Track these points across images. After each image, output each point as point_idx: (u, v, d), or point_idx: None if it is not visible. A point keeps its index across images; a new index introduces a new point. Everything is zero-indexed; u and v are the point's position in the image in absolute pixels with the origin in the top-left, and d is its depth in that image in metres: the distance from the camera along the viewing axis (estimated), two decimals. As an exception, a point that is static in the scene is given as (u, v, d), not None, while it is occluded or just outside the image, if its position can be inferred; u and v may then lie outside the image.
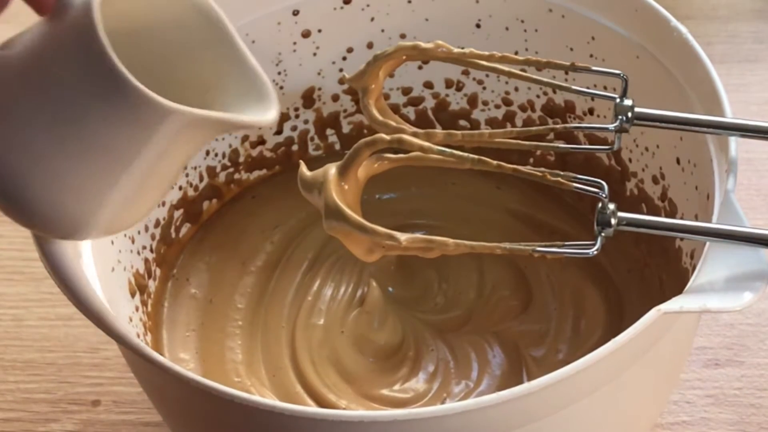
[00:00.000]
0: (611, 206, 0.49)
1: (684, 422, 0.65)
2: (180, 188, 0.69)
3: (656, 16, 0.61)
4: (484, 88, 0.72)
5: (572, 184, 0.50)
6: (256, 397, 0.49)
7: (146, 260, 0.66)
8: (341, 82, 0.72)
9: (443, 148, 0.51)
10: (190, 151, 0.50)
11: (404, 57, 0.56)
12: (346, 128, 0.75)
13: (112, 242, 0.61)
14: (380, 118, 0.55)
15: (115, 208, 0.49)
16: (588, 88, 0.57)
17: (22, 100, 0.46)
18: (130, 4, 0.49)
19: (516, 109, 0.72)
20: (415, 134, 0.53)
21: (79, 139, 0.46)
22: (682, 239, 0.62)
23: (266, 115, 0.51)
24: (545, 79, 0.56)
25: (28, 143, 0.46)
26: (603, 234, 0.50)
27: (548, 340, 0.65)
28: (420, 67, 0.72)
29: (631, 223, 0.50)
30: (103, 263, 0.58)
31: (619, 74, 0.54)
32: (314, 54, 0.71)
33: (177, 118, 0.46)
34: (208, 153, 0.70)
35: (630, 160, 0.67)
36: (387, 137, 0.51)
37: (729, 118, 0.55)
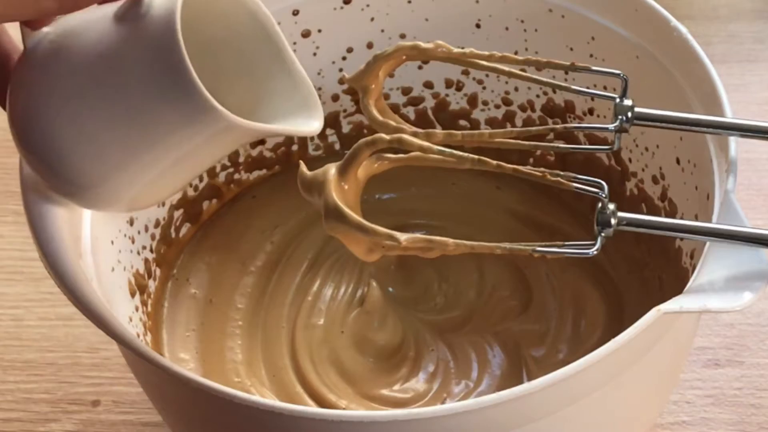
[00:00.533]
0: (611, 206, 0.49)
1: (684, 422, 0.65)
2: (180, 188, 0.69)
3: (656, 16, 0.61)
4: (484, 88, 0.72)
5: (572, 184, 0.50)
6: (256, 397, 0.49)
7: (146, 260, 0.66)
8: (341, 82, 0.72)
9: (443, 148, 0.51)
10: (229, 147, 0.52)
11: (404, 57, 0.56)
12: (346, 128, 0.74)
13: (112, 242, 0.61)
14: (380, 118, 0.55)
15: (144, 186, 0.50)
16: (588, 88, 0.57)
17: (76, 78, 0.48)
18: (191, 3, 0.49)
19: (516, 109, 0.72)
20: (415, 134, 0.53)
21: (129, 122, 0.47)
22: (682, 239, 0.62)
23: (310, 124, 0.51)
24: (545, 79, 0.56)
25: (75, 119, 0.48)
26: (603, 234, 0.49)
27: (548, 340, 0.65)
28: (420, 67, 0.72)
29: (631, 223, 0.50)
30: (103, 263, 0.58)
31: (619, 74, 0.54)
32: (314, 54, 0.71)
33: (225, 123, 0.47)
34: (208, 153, 0.70)
35: (630, 160, 0.67)
36: (387, 137, 0.51)
37: (729, 118, 0.55)
